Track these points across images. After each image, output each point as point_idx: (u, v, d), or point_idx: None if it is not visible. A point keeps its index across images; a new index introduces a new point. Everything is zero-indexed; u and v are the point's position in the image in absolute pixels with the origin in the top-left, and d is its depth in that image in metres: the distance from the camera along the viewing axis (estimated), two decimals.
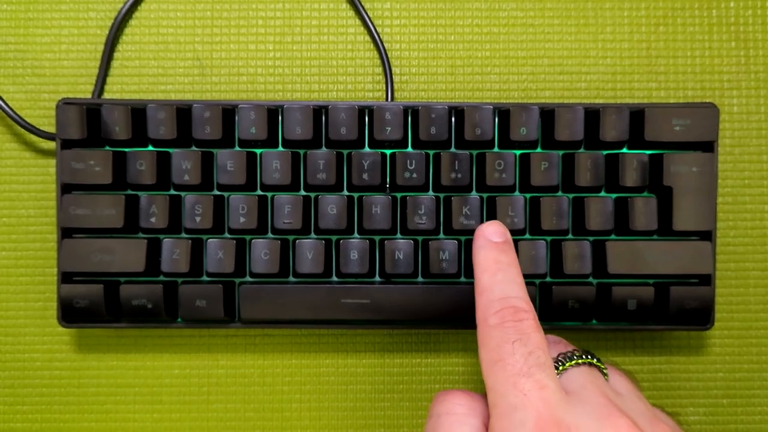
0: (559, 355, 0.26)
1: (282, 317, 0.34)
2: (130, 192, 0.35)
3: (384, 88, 0.38)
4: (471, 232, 0.34)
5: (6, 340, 0.38)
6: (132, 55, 0.38)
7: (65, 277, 0.34)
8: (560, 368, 0.26)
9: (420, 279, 0.35)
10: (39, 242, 0.38)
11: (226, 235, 0.35)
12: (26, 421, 0.37)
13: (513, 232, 0.34)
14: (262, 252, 0.34)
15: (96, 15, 0.38)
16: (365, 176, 0.34)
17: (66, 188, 0.34)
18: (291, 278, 0.35)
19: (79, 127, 0.34)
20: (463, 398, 0.26)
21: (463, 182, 0.34)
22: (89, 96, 0.38)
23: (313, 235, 0.35)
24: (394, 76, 0.38)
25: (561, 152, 0.35)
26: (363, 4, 0.38)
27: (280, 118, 0.35)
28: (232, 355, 0.38)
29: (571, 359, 0.26)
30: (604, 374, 0.27)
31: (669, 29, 0.39)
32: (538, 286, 0.35)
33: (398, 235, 0.35)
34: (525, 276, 0.34)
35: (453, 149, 0.35)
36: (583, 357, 0.26)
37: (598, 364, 0.27)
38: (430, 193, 0.35)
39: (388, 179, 0.35)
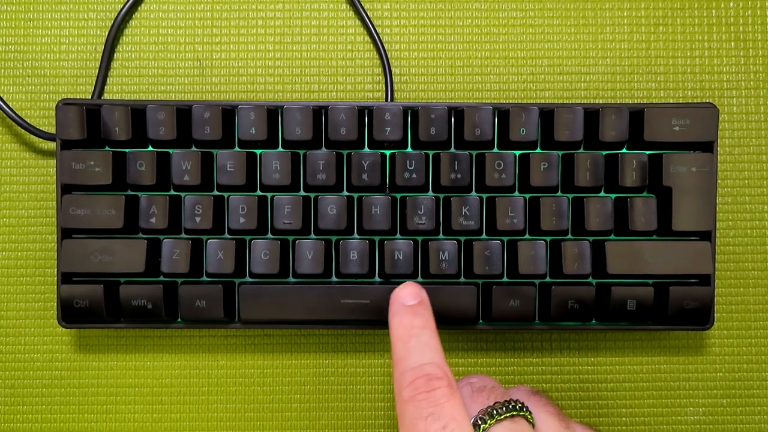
0: (479, 413, 0.26)
1: (282, 317, 0.34)
2: (130, 192, 0.35)
3: (384, 89, 0.38)
4: (471, 232, 0.34)
5: (6, 340, 0.38)
6: (132, 55, 0.38)
7: (65, 278, 0.34)
8: (481, 428, 0.25)
9: (420, 279, 0.35)
10: (39, 242, 0.38)
11: (226, 235, 0.35)
12: (26, 421, 0.37)
13: (512, 233, 0.34)
14: (262, 252, 0.34)
15: (96, 15, 0.38)
16: (365, 177, 0.34)
17: (66, 189, 0.34)
18: (291, 279, 0.35)
19: (79, 127, 0.34)
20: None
21: (463, 182, 0.34)
22: (89, 96, 0.38)
23: (312, 235, 0.35)
24: (393, 77, 0.38)
25: (560, 152, 0.35)
26: (363, 4, 0.38)
27: (279, 118, 0.35)
28: (232, 356, 0.38)
29: (492, 416, 0.25)
30: (530, 421, 0.26)
31: (668, 29, 0.39)
32: (538, 287, 0.35)
33: (398, 236, 0.35)
34: (525, 276, 0.34)
35: (452, 150, 0.35)
36: (504, 409, 0.26)
37: (523, 412, 0.26)
38: (430, 193, 0.35)
39: (387, 180, 0.35)
